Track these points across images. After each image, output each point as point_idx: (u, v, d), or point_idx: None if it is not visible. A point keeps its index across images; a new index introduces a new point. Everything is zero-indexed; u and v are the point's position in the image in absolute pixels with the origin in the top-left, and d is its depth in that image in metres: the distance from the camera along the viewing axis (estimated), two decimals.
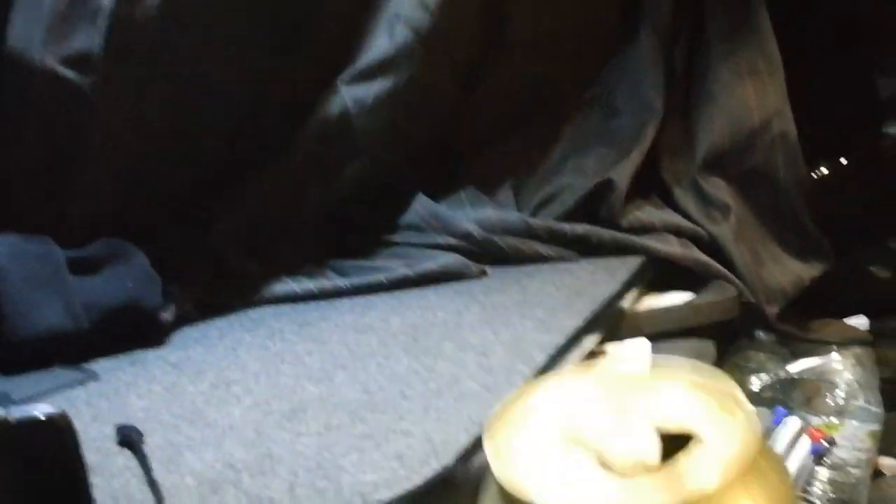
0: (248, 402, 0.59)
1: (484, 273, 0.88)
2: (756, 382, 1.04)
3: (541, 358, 0.63)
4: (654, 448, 0.26)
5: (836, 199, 1.28)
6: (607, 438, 0.27)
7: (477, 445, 0.50)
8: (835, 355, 1.01)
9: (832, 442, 0.57)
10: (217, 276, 0.85)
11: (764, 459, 0.25)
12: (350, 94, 0.83)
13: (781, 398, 1.03)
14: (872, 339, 1.04)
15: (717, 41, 1.00)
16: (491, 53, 0.96)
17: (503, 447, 0.28)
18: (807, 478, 0.56)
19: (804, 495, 1.01)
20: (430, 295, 0.83)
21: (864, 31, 1.32)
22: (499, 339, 0.68)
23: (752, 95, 0.99)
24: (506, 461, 0.27)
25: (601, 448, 0.25)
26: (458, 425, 0.52)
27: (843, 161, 1.31)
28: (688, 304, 0.88)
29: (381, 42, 0.84)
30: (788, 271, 1.02)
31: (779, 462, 0.25)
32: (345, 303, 0.83)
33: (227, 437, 0.54)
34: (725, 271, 0.94)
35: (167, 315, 0.76)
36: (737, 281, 0.94)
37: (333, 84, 0.84)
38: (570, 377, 0.28)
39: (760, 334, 1.05)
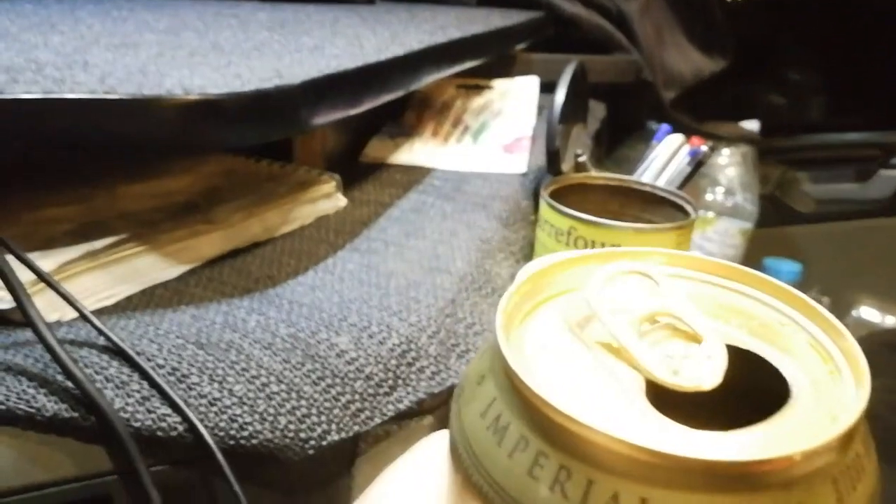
0: (73, 35, 0.51)
1: (371, 2, 0.81)
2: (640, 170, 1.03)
3: (415, 46, 0.57)
4: (719, 372, 0.16)
5: (748, 23, 1.27)
6: (658, 350, 0.16)
7: (331, 82, 0.44)
8: (724, 151, 1.01)
9: (712, 148, 0.55)
10: None
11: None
12: None
13: None
14: (759, 140, 1.05)
15: None
16: None
17: (520, 333, 0.17)
18: (680, 182, 0.54)
19: None
20: (309, 6, 0.74)
21: None
22: (376, 35, 0.61)
23: None
24: (524, 353, 0.16)
25: (645, 363, 0.15)
26: (311, 67, 0.46)
27: None
28: (583, 57, 0.84)
29: None
30: (689, 60, 0.99)
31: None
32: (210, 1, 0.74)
33: (37, 49, 0.46)
34: (628, 43, 0.91)
35: None
36: (635, 54, 0.91)
37: None
38: (618, 259, 0.17)
39: (652, 125, 1.03)
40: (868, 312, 1.14)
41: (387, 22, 0.69)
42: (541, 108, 0.71)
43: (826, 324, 0.17)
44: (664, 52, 0.96)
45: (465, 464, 0.15)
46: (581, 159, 0.54)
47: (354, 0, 0.79)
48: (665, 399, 0.15)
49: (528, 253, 0.50)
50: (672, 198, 0.49)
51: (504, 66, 0.77)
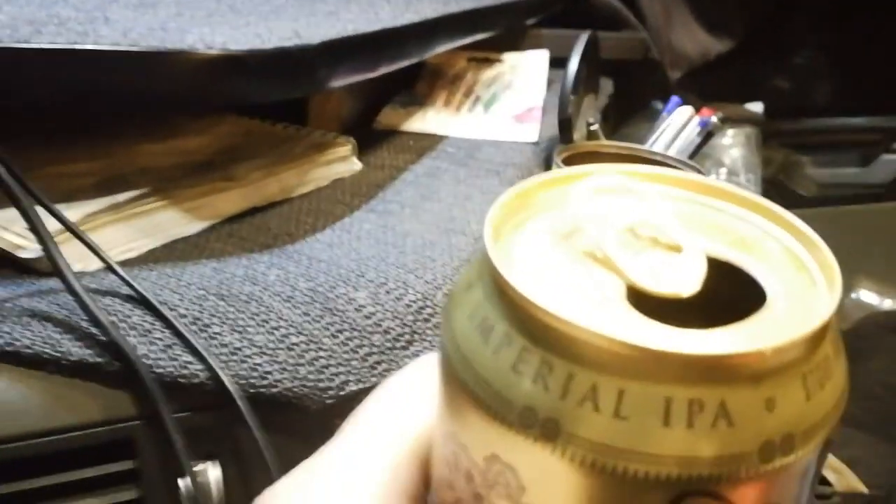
0: None
1: None
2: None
3: (429, 15, 0.57)
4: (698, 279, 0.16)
5: (755, 5, 1.27)
6: (639, 259, 0.16)
7: (348, 43, 0.45)
8: (728, 132, 1.01)
9: (723, 119, 0.55)
10: None
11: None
12: None
13: None
14: (763, 121, 1.05)
15: None
16: None
17: (507, 243, 0.17)
18: (691, 151, 0.55)
19: None
20: None
21: None
22: (389, 2, 0.61)
23: None
24: (511, 260, 0.17)
25: (627, 270, 0.16)
26: (329, 28, 0.46)
27: None
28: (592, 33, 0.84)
29: None
30: (696, 40, 1.00)
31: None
32: None
33: (58, 5, 0.46)
34: (635, 20, 0.91)
35: None
36: (643, 33, 0.91)
37: None
38: (603, 175, 0.18)
39: (657, 105, 1.04)
40: (867, 295, 1.14)
41: None
42: (550, 83, 0.71)
43: (803, 236, 0.18)
44: (672, 31, 0.97)
45: (454, 365, 0.16)
46: (593, 128, 0.55)
47: None
48: (646, 306, 0.15)
49: None
50: (682, 167, 0.50)
51: (514, 41, 0.77)
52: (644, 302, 0.16)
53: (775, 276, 0.17)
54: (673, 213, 0.18)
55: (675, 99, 0.60)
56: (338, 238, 0.42)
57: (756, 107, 1.06)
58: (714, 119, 0.54)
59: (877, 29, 1.22)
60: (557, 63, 0.80)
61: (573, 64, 0.53)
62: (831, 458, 0.70)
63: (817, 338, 0.14)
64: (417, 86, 0.67)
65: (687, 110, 0.57)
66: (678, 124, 0.56)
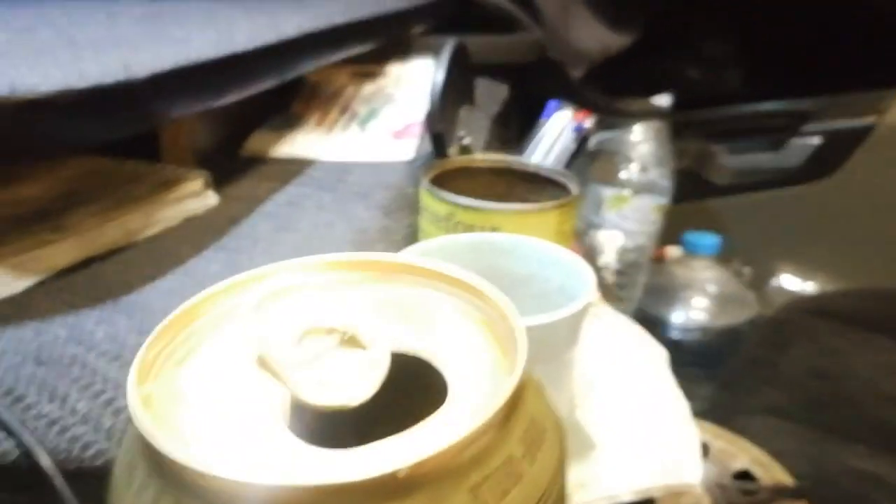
0: None
1: None
2: None
3: (292, 33, 0.55)
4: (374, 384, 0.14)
5: None
6: (309, 364, 0.14)
7: (184, 74, 0.42)
8: (636, 128, 1.01)
9: (598, 122, 0.54)
10: None
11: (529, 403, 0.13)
12: None
13: (579, 171, 1.04)
14: (672, 115, 1.05)
15: None
16: None
17: (169, 378, 0.15)
18: (567, 158, 0.53)
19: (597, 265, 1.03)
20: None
21: None
22: (253, 22, 0.58)
23: None
24: (173, 396, 0.15)
25: (293, 384, 0.14)
26: (168, 58, 0.43)
27: None
28: (483, 38, 0.82)
29: None
30: (596, 37, 0.99)
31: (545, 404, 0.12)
32: None
33: None
34: (531, 21, 0.89)
35: None
36: (539, 32, 0.90)
37: None
38: (276, 276, 0.15)
39: (564, 106, 1.03)
40: (788, 280, 1.16)
41: (270, 11, 0.66)
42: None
43: (491, 308, 0.15)
44: (570, 29, 0.95)
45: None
46: (465, 142, 0.53)
47: None
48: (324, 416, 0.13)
49: (412, 241, 0.48)
50: (554, 177, 0.48)
51: (400, 49, 0.75)
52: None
53: (461, 363, 0.15)
54: (358, 304, 0.16)
55: (552, 103, 0.58)
56: (179, 283, 0.40)
57: (664, 100, 1.06)
58: (587, 125, 0.53)
59: (785, 11, 1.23)
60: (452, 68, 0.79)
61: (438, 76, 0.51)
62: (757, 452, 0.70)
63: (486, 442, 0.12)
64: (294, 105, 0.64)
65: (564, 115, 0.55)
66: (556, 130, 0.54)
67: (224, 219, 0.46)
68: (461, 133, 0.54)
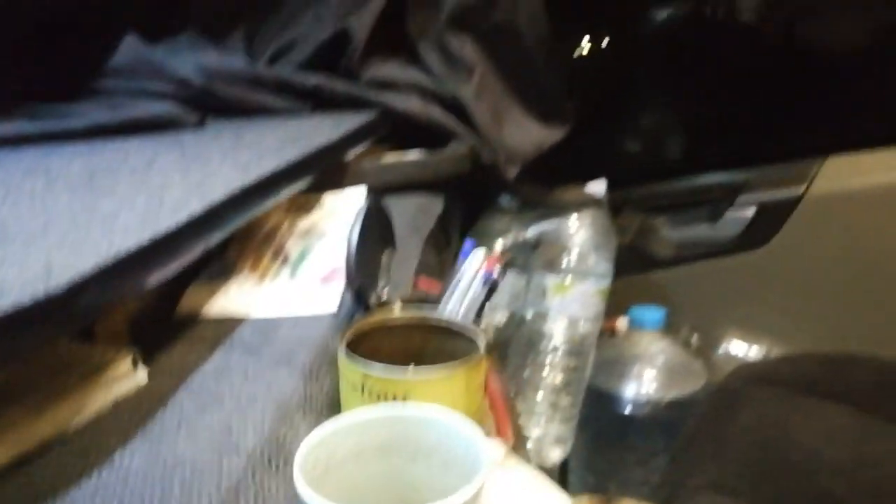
0: None
1: (201, 123, 0.81)
2: (499, 246, 1.07)
3: (219, 195, 0.58)
4: None
5: (594, 74, 1.33)
6: None
7: (105, 275, 0.45)
8: (572, 217, 1.05)
9: (505, 267, 0.58)
10: None
11: None
12: None
13: (522, 261, 1.07)
14: (607, 203, 1.09)
15: None
16: None
17: None
18: (477, 308, 0.57)
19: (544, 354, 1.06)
20: (131, 142, 0.75)
21: None
22: (185, 181, 0.62)
23: None
24: None
25: None
26: (89, 256, 0.46)
27: (605, 41, 1.34)
28: (415, 159, 0.86)
29: None
30: (529, 134, 1.03)
31: None
32: (30, 150, 0.74)
33: None
34: (462, 129, 0.94)
35: None
36: (473, 139, 0.94)
37: None
38: None
39: (504, 201, 1.07)
40: (735, 346, 1.20)
41: (206, 157, 0.69)
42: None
43: None
44: (503, 130, 1.00)
45: None
46: (385, 296, 0.56)
47: (183, 123, 0.79)
48: None
49: (332, 404, 0.51)
50: (465, 332, 0.52)
51: (336, 176, 0.79)
52: None
53: None
54: None
55: (468, 243, 0.62)
56: (104, 482, 0.42)
57: (599, 185, 1.10)
58: (495, 275, 0.56)
59: (712, 84, 1.29)
60: (385, 189, 0.83)
61: (354, 236, 0.55)
62: None
63: None
64: (229, 248, 0.67)
65: (479, 257, 0.59)
66: (470, 274, 0.58)
67: (153, 399, 0.49)
68: (382, 282, 0.57)
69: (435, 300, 0.61)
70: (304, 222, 0.71)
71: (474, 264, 0.58)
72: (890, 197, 1.09)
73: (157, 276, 0.50)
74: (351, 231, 0.56)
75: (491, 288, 0.56)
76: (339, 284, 0.61)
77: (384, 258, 0.61)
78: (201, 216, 0.54)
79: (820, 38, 1.32)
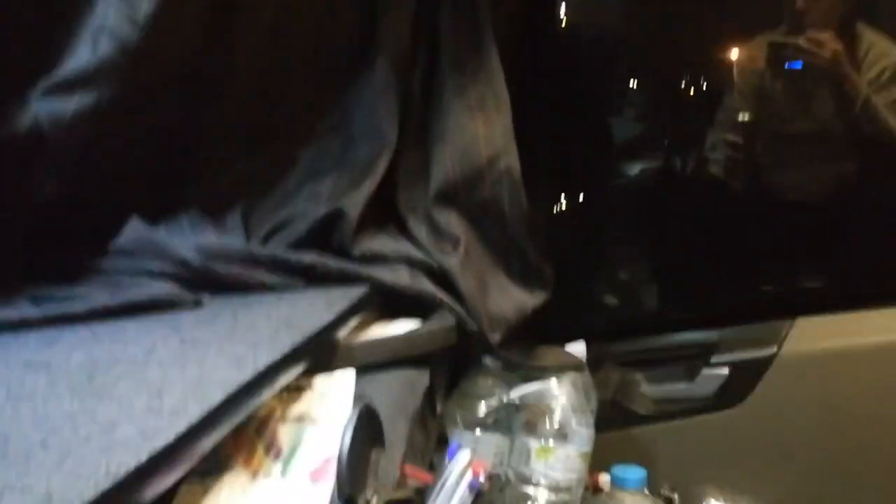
0: None
1: (199, 303, 0.85)
2: (483, 408, 1.09)
3: (218, 397, 0.61)
4: None
5: (573, 232, 1.40)
6: None
7: (104, 498, 0.47)
8: (553, 381, 1.08)
9: (489, 477, 0.60)
10: None
11: None
12: (44, 108, 0.77)
13: (506, 423, 1.09)
14: (586, 365, 1.13)
15: (449, 74, 1.04)
16: (219, 72, 0.93)
17: None
18: None
19: None
20: (131, 327, 0.78)
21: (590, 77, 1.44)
22: (183, 378, 0.65)
23: (481, 131, 1.04)
24: None
25: None
26: (89, 479, 0.48)
27: (580, 197, 1.43)
28: (403, 335, 0.90)
29: (83, 54, 0.78)
30: (512, 300, 1.08)
31: None
32: (32, 335, 0.76)
33: None
34: (449, 301, 0.98)
35: None
36: (458, 310, 0.98)
37: (24, 97, 0.77)
38: None
39: (488, 361, 1.10)
40: None
41: (204, 347, 0.72)
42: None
43: None
44: (488, 297, 1.04)
45: None
46: (372, 501, 0.58)
47: (182, 303, 0.83)
48: None
49: None
50: None
51: (327, 357, 0.81)
52: None
53: None
54: None
55: (453, 445, 0.65)
56: None
57: (578, 346, 1.14)
58: (482, 480, 0.59)
59: (684, 243, 1.36)
60: (371, 368, 0.86)
61: (345, 446, 0.57)
62: None
63: None
64: (223, 440, 0.69)
65: (464, 458, 0.61)
66: (456, 475, 0.60)
67: None
68: (370, 486, 0.59)
69: (421, 490, 0.63)
70: (296, 407, 0.74)
71: (459, 467, 0.61)
72: (858, 359, 1.14)
73: (155, 489, 0.52)
74: (343, 438, 0.58)
75: (478, 494, 0.59)
76: (328, 483, 0.63)
77: (373, 456, 0.63)
78: (199, 423, 0.57)
79: (786, 196, 1.40)
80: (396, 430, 0.76)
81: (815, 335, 1.18)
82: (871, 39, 1.31)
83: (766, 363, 1.17)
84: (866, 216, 1.32)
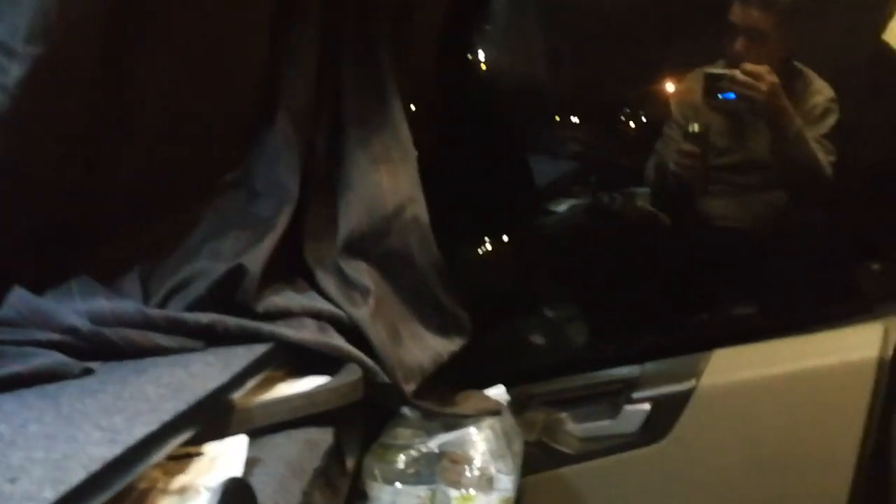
0: None
1: (89, 372, 0.82)
2: (402, 459, 1.07)
3: (77, 478, 0.58)
4: None
5: (498, 272, 1.40)
6: None
7: None
8: (472, 428, 1.07)
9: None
10: None
11: None
12: None
13: (426, 473, 1.08)
14: (507, 409, 1.12)
15: (351, 127, 1.04)
16: (115, 134, 0.92)
17: None
18: None
19: None
20: (8, 402, 0.75)
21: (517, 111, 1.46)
22: (47, 458, 0.62)
23: (386, 181, 1.04)
24: None
25: None
26: None
27: (502, 238, 1.43)
28: (303, 393, 0.88)
29: None
30: (427, 347, 1.07)
31: None
32: None
33: None
34: (358, 354, 0.96)
35: None
36: (368, 363, 0.97)
37: None
38: None
39: (406, 411, 1.09)
40: None
41: (79, 421, 0.69)
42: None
43: None
44: (401, 347, 1.03)
45: None
46: None
47: (68, 373, 0.80)
48: None
49: None
50: None
51: (218, 423, 0.79)
52: None
53: None
54: None
55: None
56: None
57: (497, 390, 1.13)
58: None
59: (610, 277, 1.38)
60: (273, 428, 0.84)
61: None
62: None
63: None
64: None
65: None
66: None
67: None
68: None
69: None
70: (180, 478, 0.71)
71: None
72: (772, 388, 1.15)
73: None
74: None
75: None
76: None
77: None
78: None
79: (710, 227, 1.42)
80: (290, 494, 0.74)
81: (731, 366, 1.19)
82: (809, 75, 1.34)
83: (685, 397, 1.18)
84: (784, 245, 1.34)
